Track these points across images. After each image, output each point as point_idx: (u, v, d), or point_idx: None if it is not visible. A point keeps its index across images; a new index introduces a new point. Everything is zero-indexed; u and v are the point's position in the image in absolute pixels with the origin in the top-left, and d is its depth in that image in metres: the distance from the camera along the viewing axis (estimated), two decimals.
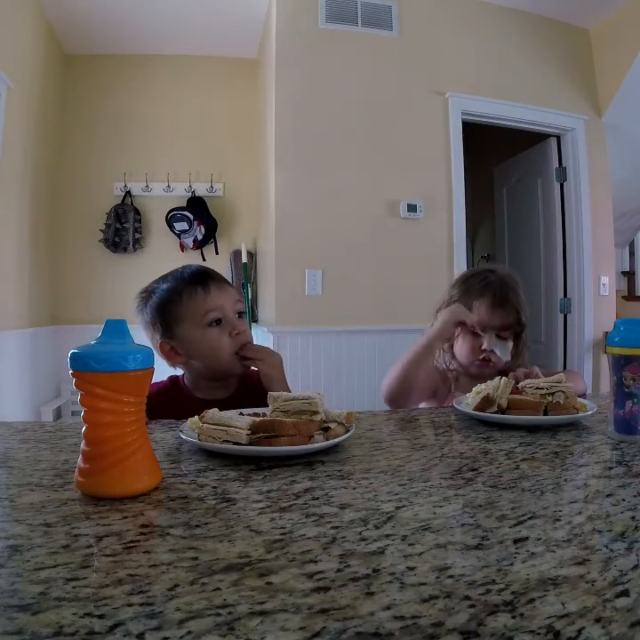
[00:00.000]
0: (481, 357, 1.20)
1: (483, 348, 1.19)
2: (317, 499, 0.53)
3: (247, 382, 1.08)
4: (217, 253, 3.37)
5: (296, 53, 2.69)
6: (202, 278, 1.04)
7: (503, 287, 1.24)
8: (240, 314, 1.05)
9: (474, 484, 0.57)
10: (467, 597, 0.34)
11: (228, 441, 0.66)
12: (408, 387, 1.12)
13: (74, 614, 0.32)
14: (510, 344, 1.22)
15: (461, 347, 1.23)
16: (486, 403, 0.88)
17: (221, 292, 1.04)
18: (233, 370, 1.04)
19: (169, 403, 1.00)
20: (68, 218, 3.31)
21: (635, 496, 0.53)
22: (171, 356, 1.04)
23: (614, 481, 0.58)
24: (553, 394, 0.87)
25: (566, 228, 3.16)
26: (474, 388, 0.96)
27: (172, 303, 1.03)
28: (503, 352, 1.18)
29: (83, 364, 0.52)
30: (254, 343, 1.07)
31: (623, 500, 0.52)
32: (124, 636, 0.30)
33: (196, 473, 0.61)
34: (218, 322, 1.02)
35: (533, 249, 3.43)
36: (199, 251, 3.33)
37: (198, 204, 3.34)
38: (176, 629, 0.31)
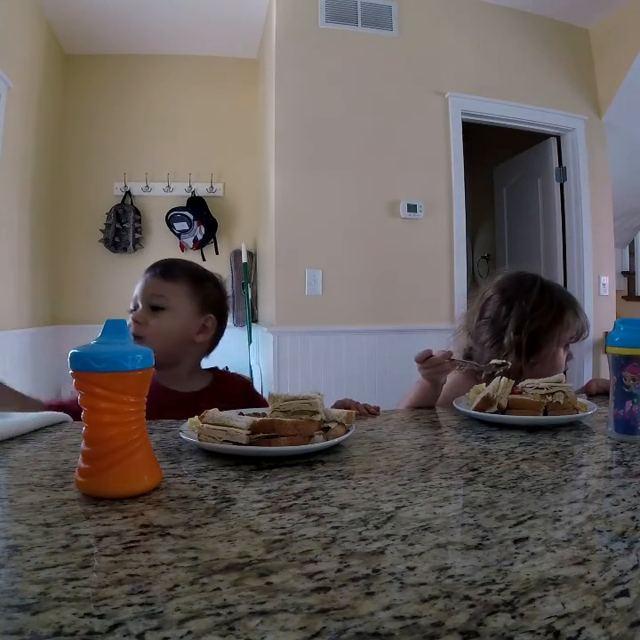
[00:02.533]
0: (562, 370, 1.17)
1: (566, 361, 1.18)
2: (317, 499, 0.53)
3: (219, 380, 1.12)
4: (217, 253, 3.38)
5: (296, 53, 2.69)
6: (153, 266, 1.11)
7: (570, 295, 1.21)
8: (155, 308, 1.06)
9: (474, 484, 0.57)
10: (467, 597, 0.34)
11: (228, 441, 0.66)
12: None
13: (74, 614, 0.32)
14: None
15: (557, 358, 1.16)
16: (486, 403, 0.88)
17: (146, 282, 1.09)
18: None
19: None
20: (68, 218, 3.31)
21: (635, 496, 0.53)
22: None
23: (614, 481, 0.58)
24: (553, 394, 0.87)
25: (566, 228, 3.16)
26: (473, 388, 0.96)
27: None
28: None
29: (83, 364, 0.52)
30: (145, 333, 1.05)
31: (623, 499, 0.52)
32: (124, 636, 0.30)
33: (196, 473, 0.61)
34: (135, 308, 1.08)
35: (533, 249, 3.43)
36: (199, 251, 3.33)
37: (198, 204, 3.34)
38: (176, 629, 0.31)
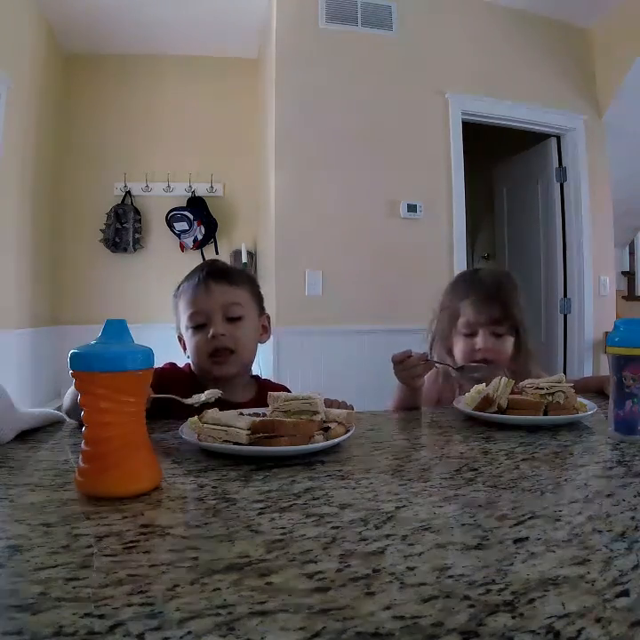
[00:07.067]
0: (478, 358, 1.15)
1: (477, 348, 1.15)
2: (317, 499, 0.53)
3: (264, 389, 1.07)
4: (217, 253, 3.37)
5: (296, 53, 2.69)
6: (202, 276, 0.98)
7: (486, 282, 1.20)
8: (232, 318, 0.98)
9: (474, 484, 0.57)
10: (467, 597, 0.34)
11: (228, 441, 0.66)
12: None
13: (74, 614, 0.32)
14: (509, 340, 1.18)
15: (458, 350, 1.19)
16: (486, 403, 0.88)
17: (213, 291, 0.97)
18: (209, 373, 0.98)
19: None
20: (67, 218, 3.31)
21: (635, 496, 0.53)
22: (184, 350, 1.03)
23: (614, 481, 0.58)
24: (553, 394, 0.87)
25: (566, 228, 3.16)
26: (474, 388, 0.96)
27: (177, 297, 1.03)
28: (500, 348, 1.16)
29: (83, 364, 0.52)
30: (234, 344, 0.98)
31: (623, 499, 0.52)
32: (124, 636, 0.30)
33: (196, 473, 0.61)
34: (202, 326, 0.98)
35: (533, 249, 3.43)
36: (199, 251, 3.33)
37: (198, 204, 3.34)
38: (176, 629, 0.31)
